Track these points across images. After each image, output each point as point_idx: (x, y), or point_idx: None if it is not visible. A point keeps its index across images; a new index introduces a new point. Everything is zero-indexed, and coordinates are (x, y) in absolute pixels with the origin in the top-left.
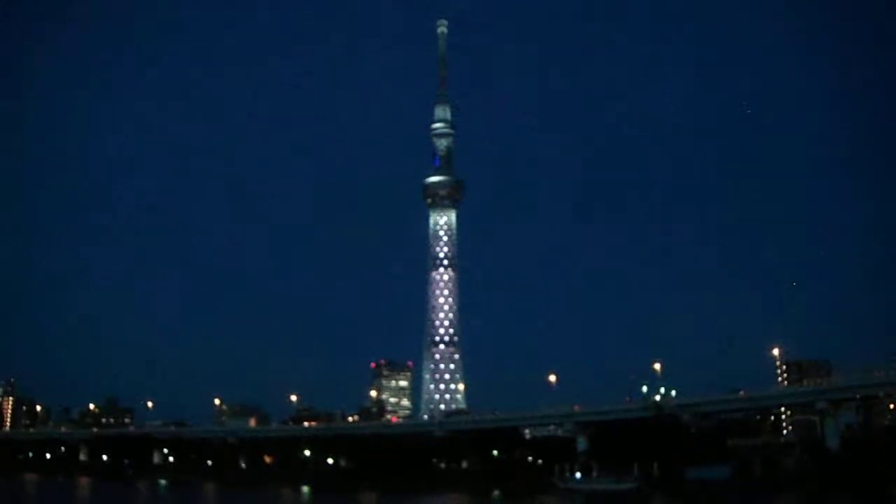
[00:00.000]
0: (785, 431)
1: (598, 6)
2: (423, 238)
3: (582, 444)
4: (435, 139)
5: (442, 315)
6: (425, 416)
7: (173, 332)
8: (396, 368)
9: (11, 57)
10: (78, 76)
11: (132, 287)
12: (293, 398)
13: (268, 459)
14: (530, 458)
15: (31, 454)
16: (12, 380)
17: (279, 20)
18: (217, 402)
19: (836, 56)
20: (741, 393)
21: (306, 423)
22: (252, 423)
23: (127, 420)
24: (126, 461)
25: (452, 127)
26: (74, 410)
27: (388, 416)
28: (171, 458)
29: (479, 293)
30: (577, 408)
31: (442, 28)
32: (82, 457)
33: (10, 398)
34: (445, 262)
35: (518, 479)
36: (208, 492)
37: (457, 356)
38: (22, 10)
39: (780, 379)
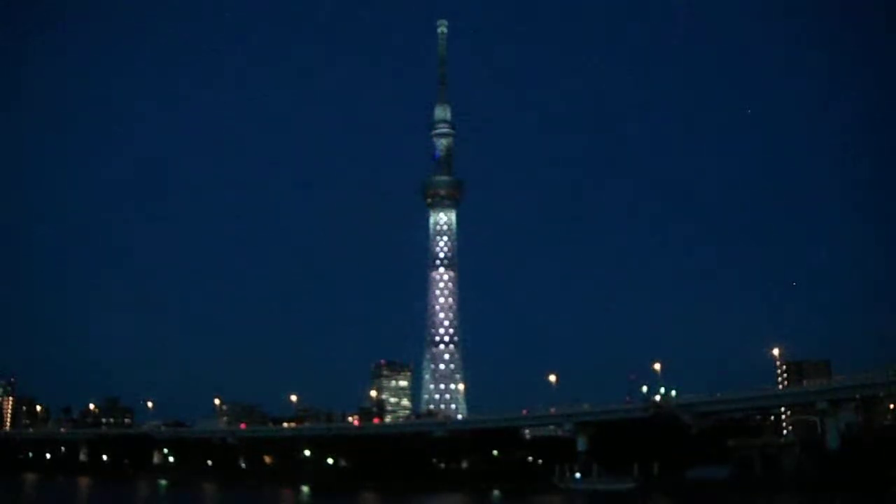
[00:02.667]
0: (785, 431)
1: (599, 6)
2: (423, 238)
3: (582, 444)
4: (435, 139)
5: (442, 315)
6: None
7: (173, 331)
8: (396, 368)
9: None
10: (82, 84)
11: (132, 287)
12: (293, 398)
13: (268, 459)
14: (530, 458)
15: (31, 454)
16: (12, 380)
17: (279, 21)
18: (217, 402)
19: (837, 57)
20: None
21: (286, 424)
22: (221, 424)
23: (127, 420)
24: (126, 461)
25: (452, 127)
26: (74, 410)
27: (352, 419)
28: (171, 458)
29: (479, 293)
30: (576, 407)
31: (442, 28)
32: (82, 457)
33: (10, 398)
34: (445, 262)
35: (518, 479)
36: (208, 492)
37: (457, 356)
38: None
39: (780, 379)
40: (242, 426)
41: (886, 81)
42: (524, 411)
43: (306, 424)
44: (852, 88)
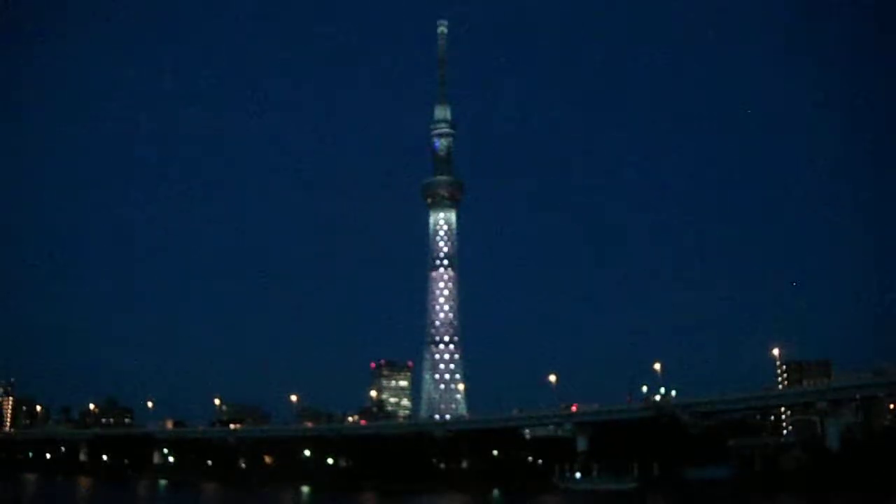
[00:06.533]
0: (785, 431)
1: (598, 9)
2: (423, 238)
3: (582, 444)
4: (435, 139)
5: (442, 315)
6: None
7: (174, 332)
8: (396, 368)
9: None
10: (84, 81)
11: (132, 287)
12: (293, 398)
13: (268, 459)
14: (530, 458)
15: (31, 454)
16: (12, 380)
17: (278, 21)
18: (217, 402)
19: (836, 57)
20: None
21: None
22: (169, 425)
23: (127, 420)
24: (126, 461)
25: (452, 127)
26: (74, 410)
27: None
28: (171, 458)
29: (479, 293)
30: (576, 408)
31: (442, 28)
32: (82, 457)
33: (10, 398)
34: (445, 261)
35: (518, 479)
36: (208, 492)
37: (457, 356)
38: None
39: (780, 379)
40: (200, 429)
41: (890, 82)
42: (515, 410)
43: (306, 424)
44: (856, 89)
